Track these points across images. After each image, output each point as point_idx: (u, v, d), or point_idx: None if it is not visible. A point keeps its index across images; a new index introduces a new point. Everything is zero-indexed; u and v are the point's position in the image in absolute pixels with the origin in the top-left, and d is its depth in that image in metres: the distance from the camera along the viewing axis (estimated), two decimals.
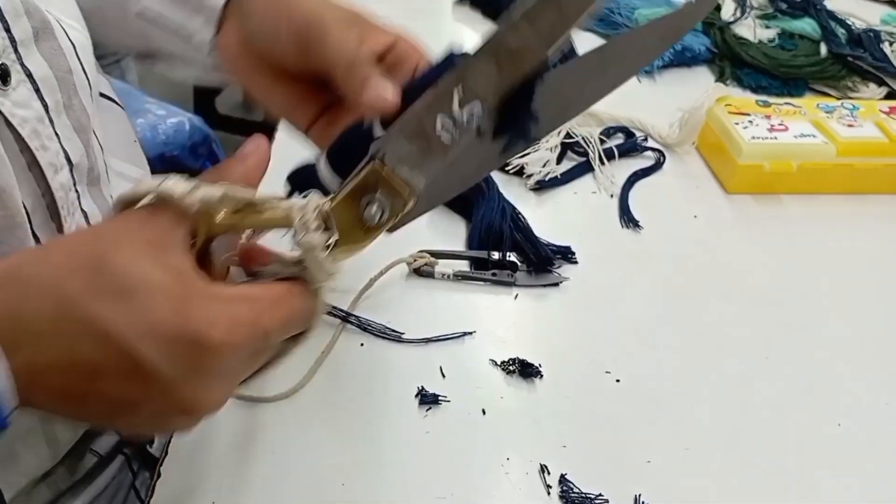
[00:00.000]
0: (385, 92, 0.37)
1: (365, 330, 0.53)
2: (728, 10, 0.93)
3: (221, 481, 0.43)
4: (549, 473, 0.45)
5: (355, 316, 0.53)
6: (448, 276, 0.58)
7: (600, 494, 0.44)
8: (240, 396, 0.48)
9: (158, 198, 0.32)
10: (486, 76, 0.34)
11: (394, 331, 0.53)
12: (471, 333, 0.53)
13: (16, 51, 0.38)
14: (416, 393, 0.49)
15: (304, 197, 0.35)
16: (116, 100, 0.55)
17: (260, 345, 0.33)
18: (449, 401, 0.49)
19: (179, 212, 0.32)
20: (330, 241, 0.35)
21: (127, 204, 0.33)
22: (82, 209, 0.44)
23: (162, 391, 0.30)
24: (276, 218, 0.34)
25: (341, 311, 0.54)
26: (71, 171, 0.42)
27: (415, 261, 0.57)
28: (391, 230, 0.37)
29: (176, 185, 0.32)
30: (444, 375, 0.50)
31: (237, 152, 0.37)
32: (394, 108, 0.37)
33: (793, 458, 0.48)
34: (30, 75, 0.39)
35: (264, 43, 0.44)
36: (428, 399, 0.49)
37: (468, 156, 0.36)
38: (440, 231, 0.63)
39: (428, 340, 0.53)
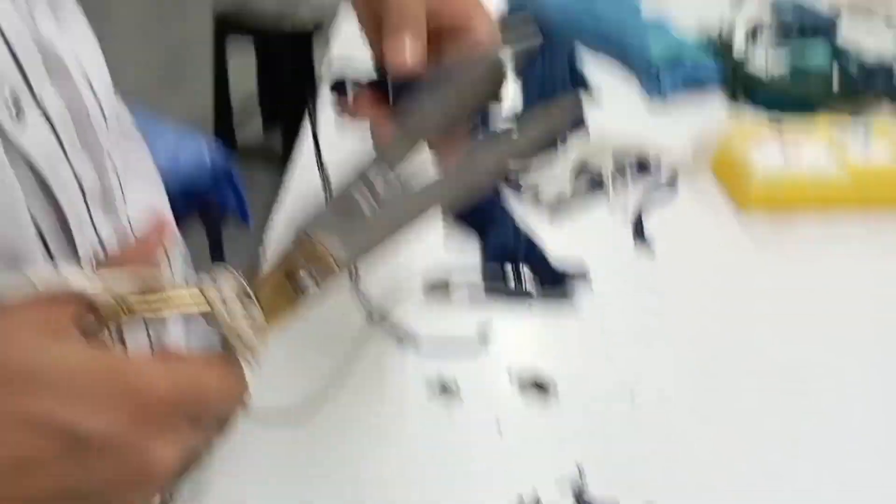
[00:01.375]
0: (403, 55, 0.40)
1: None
2: (739, 45, 0.95)
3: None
4: (565, 491, 0.45)
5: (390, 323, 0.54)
6: (463, 294, 0.58)
7: None
8: (255, 419, 0.48)
9: (62, 293, 0.31)
10: (402, 151, 0.38)
11: (408, 334, 0.54)
12: (473, 350, 0.54)
13: (28, 86, 0.39)
14: (429, 385, 0.50)
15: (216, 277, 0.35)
16: (134, 128, 0.57)
17: (200, 407, 0.32)
18: (464, 415, 0.49)
19: (83, 301, 0.31)
20: (254, 318, 0.35)
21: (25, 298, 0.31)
22: (97, 233, 0.45)
23: (110, 458, 0.28)
24: (192, 304, 0.34)
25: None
26: (84, 195, 0.43)
27: (430, 278, 0.58)
28: (311, 304, 0.37)
29: (75, 274, 0.31)
30: (460, 392, 0.51)
31: (140, 238, 0.36)
32: (412, 71, 0.41)
33: (812, 483, 0.47)
34: (43, 108, 0.40)
35: None
36: (444, 389, 0.50)
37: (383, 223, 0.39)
38: (455, 249, 0.64)
39: (440, 346, 0.53)
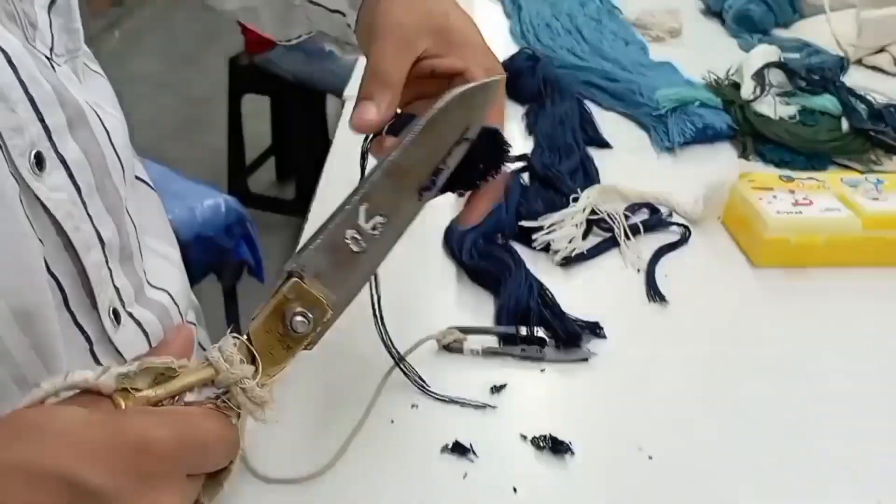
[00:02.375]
0: (365, 116, 0.44)
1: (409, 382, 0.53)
2: (748, 89, 0.95)
3: None
4: None
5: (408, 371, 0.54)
6: (477, 352, 0.58)
7: None
8: (269, 479, 0.48)
9: (72, 387, 0.32)
10: (384, 192, 0.40)
11: (424, 383, 0.54)
12: (494, 407, 0.54)
13: (49, 138, 0.40)
14: (444, 447, 0.50)
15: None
16: (149, 181, 0.58)
17: (200, 457, 0.32)
18: (479, 475, 0.49)
19: (93, 393, 0.32)
20: (255, 372, 0.36)
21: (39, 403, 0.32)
22: (115, 285, 0.46)
23: None
24: (200, 373, 0.35)
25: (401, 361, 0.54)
26: (103, 249, 0.44)
27: (444, 337, 0.58)
28: (309, 347, 0.39)
29: (85, 372, 0.32)
30: (475, 453, 0.50)
31: (161, 341, 0.37)
32: (373, 130, 0.44)
33: None
34: (64, 161, 0.41)
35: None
36: (459, 450, 0.50)
37: (369, 259, 0.40)
38: (469, 307, 0.64)
39: (452, 401, 0.54)
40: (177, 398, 0.34)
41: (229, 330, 0.37)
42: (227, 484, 0.35)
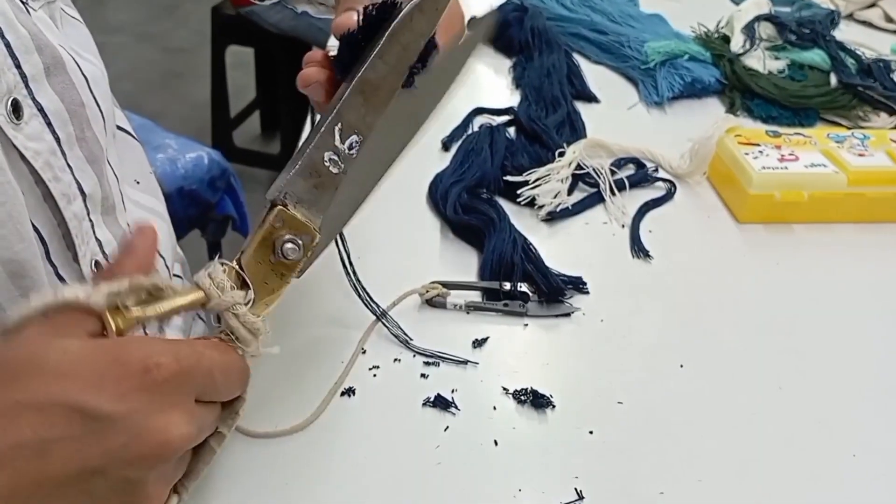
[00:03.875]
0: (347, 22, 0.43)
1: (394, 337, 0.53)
2: (737, 43, 0.94)
3: None
4: None
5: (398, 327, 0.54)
6: (460, 307, 0.58)
7: None
8: (254, 434, 0.48)
9: (63, 305, 0.32)
10: (357, 110, 0.40)
11: (407, 337, 0.54)
12: (475, 363, 0.54)
13: (27, 86, 0.39)
14: (426, 401, 0.50)
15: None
16: (131, 132, 0.56)
17: (205, 380, 0.32)
18: (460, 427, 0.49)
19: (84, 312, 0.32)
20: (248, 298, 0.36)
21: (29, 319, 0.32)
22: (97, 238, 0.45)
23: (124, 432, 0.29)
24: (188, 295, 0.35)
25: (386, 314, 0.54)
26: (84, 201, 0.43)
27: (427, 291, 0.58)
28: (299, 274, 0.39)
29: (75, 289, 0.32)
30: (457, 406, 0.50)
31: (125, 244, 0.37)
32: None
33: (807, 489, 0.47)
34: (41, 109, 0.40)
35: None
36: (441, 403, 0.50)
37: (351, 182, 0.40)
38: (452, 262, 0.64)
39: (434, 356, 0.54)
40: (166, 322, 0.34)
41: (217, 257, 0.36)
42: (243, 412, 0.36)
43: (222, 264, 0.36)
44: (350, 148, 0.39)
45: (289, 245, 0.37)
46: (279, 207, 0.37)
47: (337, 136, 0.39)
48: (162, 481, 0.32)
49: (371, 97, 0.40)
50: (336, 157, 0.39)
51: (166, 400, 0.30)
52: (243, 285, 0.36)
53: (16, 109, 0.38)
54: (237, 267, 0.36)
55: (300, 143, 0.40)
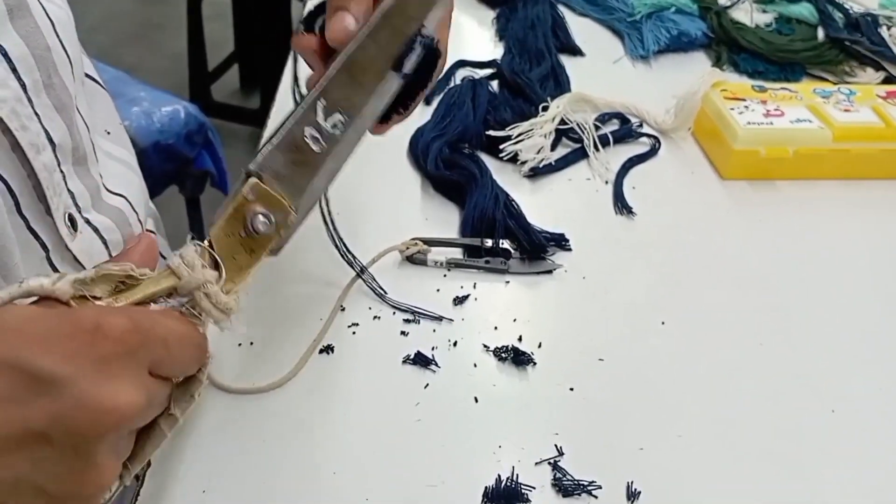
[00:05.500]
0: (347, 24, 0.40)
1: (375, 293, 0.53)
2: None
3: (211, 470, 0.43)
4: (541, 461, 0.45)
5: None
6: (441, 264, 0.58)
7: (593, 482, 0.44)
8: (232, 390, 0.47)
9: (27, 293, 0.30)
10: (342, 88, 0.39)
11: (383, 291, 0.54)
12: (451, 320, 0.53)
13: None
14: (406, 358, 0.50)
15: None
16: (99, 80, 0.54)
17: (159, 350, 0.31)
18: (440, 384, 0.49)
19: (49, 300, 0.30)
20: (220, 277, 0.35)
21: None
22: (69, 189, 0.44)
23: (69, 397, 0.27)
24: (161, 281, 0.33)
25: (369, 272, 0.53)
26: (54, 150, 0.42)
27: (407, 248, 0.57)
28: (274, 252, 0.38)
29: (41, 278, 0.31)
30: (437, 364, 0.50)
31: (123, 251, 0.35)
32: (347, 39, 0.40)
33: (786, 445, 0.47)
34: (5, 54, 0.38)
35: None
36: (421, 361, 0.50)
37: (334, 159, 0.39)
38: (433, 218, 0.63)
39: (414, 312, 0.53)
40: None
41: (190, 237, 0.35)
42: (198, 396, 0.34)
43: (196, 245, 0.35)
44: (334, 126, 0.38)
45: (261, 219, 0.36)
46: (254, 180, 0.36)
47: (320, 112, 0.38)
48: (113, 454, 0.30)
49: (358, 76, 0.39)
50: (318, 135, 0.38)
51: (116, 364, 0.29)
52: (216, 266, 0.35)
53: None
54: (208, 246, 0.35)
55: (285, 116, 0.38)
